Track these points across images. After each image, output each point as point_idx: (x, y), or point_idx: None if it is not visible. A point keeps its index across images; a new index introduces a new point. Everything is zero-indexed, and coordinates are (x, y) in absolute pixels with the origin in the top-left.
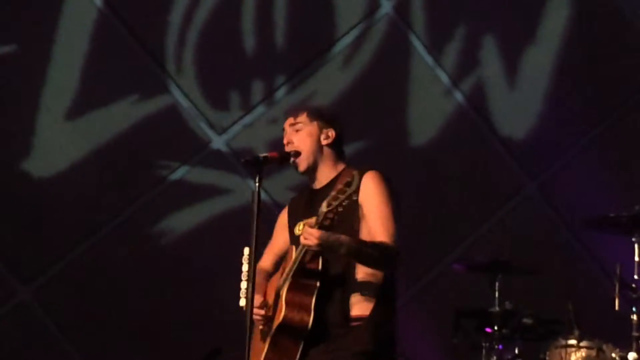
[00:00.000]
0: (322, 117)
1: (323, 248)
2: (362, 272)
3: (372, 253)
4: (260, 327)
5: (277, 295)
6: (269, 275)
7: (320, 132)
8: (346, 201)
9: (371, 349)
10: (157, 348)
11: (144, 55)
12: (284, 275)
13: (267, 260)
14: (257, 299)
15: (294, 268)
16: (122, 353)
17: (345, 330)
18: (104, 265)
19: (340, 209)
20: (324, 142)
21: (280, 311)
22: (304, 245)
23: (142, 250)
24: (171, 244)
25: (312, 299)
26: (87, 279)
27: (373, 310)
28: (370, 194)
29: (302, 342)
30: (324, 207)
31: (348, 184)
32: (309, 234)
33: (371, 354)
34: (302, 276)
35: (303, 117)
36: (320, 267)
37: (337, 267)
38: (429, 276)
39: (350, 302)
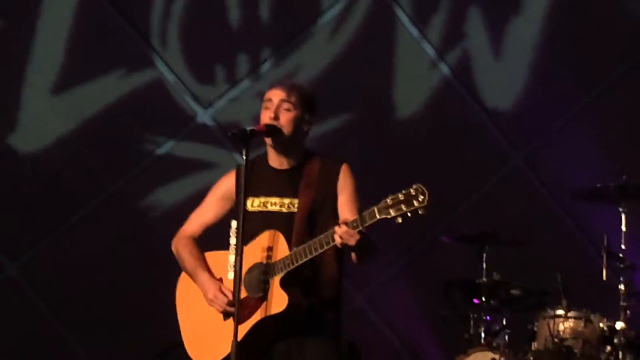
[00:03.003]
0: (309, 105)
1: (357, 248)
2: (329, 261)
3: (375, 250)
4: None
5: (264, 281)
6: (196, 242)
7: (304, 118)
8: (404, 216)
9: (337, 334)
10: (144, 321)
11: (129, 29)
12: (278, 262)
13: (195, 227)
14: (224, 289)
15: (306, 260)
16: (109, 326)
17: (318, 316)
18: (92, 239)
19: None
20: (304, 129)
21: (281, 298)
22: (329, 241)
23: (130, 224)
24: (158, 218)
25: (299, 286)
26: (75, 253)
27: (336, 296)
28: (348, 187)
29: (283, 328)
30: (377, 214)
31: (416, 198)
32: (350, 235)
33: (337, 337)
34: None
35: (295, 98)
36: None
37: (318, 256)
38: (417, 248)
39: (321, 289)
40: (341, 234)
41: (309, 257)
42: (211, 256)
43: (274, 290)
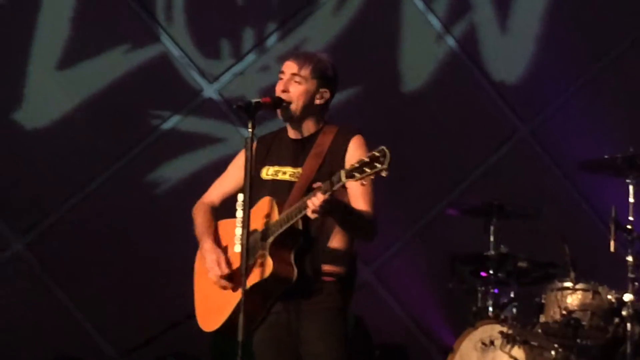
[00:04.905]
0: (323, 77)
1: (327, 214)
2: (335, 232)
3: (359, 222)
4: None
5: (255, 248)
6: (215, 210)
7: (317, 91)
8: (370, 177)
9: (340, 306)
10: (152, 297)
11: (134, 4)
12: (267, 229)
13: (214, 196)
14: (222, 259)
15: (286, 226)
16: (117, 302)
17: (317, 286)
18: (98, 215)
19: (360, 182)
20: (317, 102)
21: (267, 264)
22: (305, 207)
23: (136, 200)
24: (164, 194)
25: (292, 254)
26: (82, 229)
27: (344, 270)
28: (357, 159)
29: (278, 296)
30: (342, 177)
31: (378, 160)
32: (319, 200)
33: (339, 310)
34: (286, 232)
35: (307, 72)
36: (301, 226)
37: (314, 225)
38: (424, 221)
39: (322, 260)
40: (312, 199)
41: (289, 223)
42: (224, 224)
43: (263, 258)
